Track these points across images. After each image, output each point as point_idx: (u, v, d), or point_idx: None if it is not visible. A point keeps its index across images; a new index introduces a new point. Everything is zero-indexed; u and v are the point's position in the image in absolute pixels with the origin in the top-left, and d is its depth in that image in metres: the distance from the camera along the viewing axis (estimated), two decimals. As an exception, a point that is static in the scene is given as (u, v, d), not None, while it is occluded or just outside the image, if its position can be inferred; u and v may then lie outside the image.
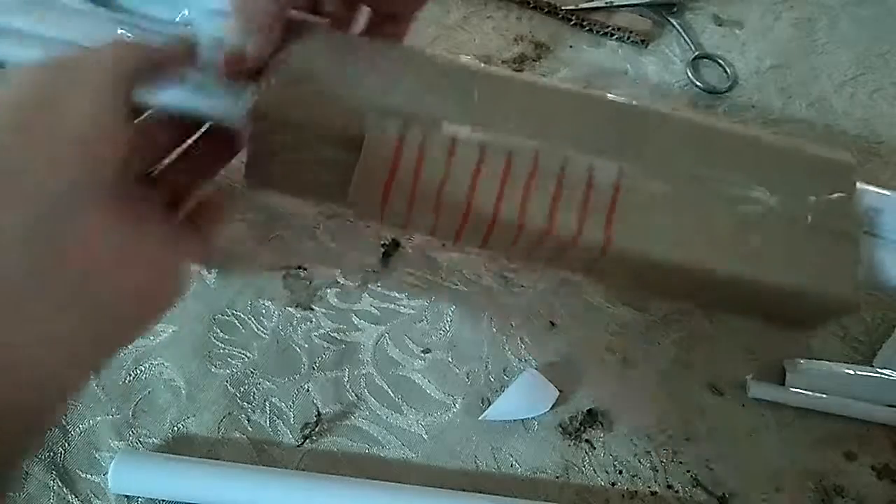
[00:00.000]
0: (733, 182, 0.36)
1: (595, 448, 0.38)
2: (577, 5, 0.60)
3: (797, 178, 0.36)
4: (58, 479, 0.36)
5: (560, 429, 0.39)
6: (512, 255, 0.43)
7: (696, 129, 0.38)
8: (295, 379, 0.40)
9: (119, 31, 0.38)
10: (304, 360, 0.41)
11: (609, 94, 0.39)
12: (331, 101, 0.37)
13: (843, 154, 0.37)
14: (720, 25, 0.61)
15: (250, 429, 0.38)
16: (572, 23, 0.60)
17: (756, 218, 0.35)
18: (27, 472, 0.36)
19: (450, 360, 0.41)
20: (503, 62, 0.57)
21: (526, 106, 0.38)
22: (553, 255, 0.38)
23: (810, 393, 0.40)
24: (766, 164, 0.37)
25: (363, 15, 0.41)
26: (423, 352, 0.42)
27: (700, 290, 0.39)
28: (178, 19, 0.38)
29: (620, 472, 0.38)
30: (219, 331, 0.42)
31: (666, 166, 0.36)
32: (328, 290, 0.44)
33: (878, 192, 0.38)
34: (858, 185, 0.37)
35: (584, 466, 0.38)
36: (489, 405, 0.39)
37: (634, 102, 0.39)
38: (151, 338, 0.41)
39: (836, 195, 0.36)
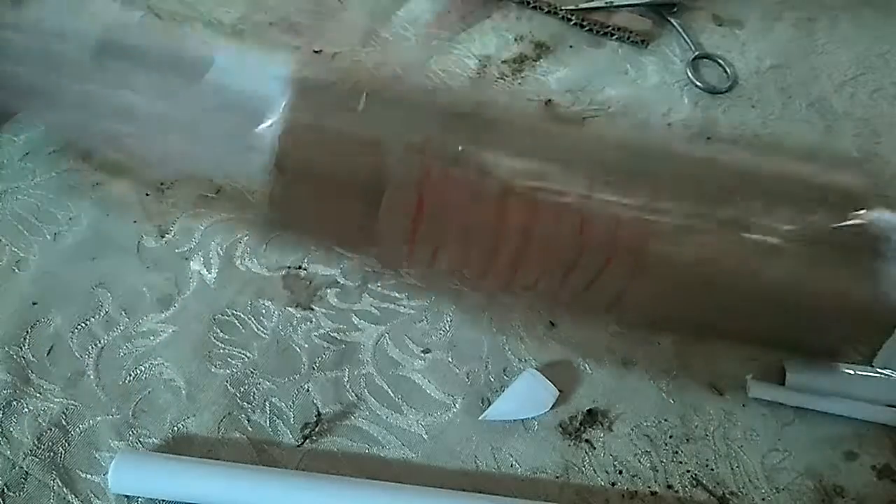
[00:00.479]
0: (750, 212, 0.36)
1: (595, 448, 0.38)
2: (577, 5, 0.60)
3: (812, 204, 0.36)
4: (58, 479, 0.36)
5: (560, 429, 0.39)
6: (540, 289, 0.42)
7: (711, 164, 0.39)
8: (295, 379, 0.40)
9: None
10: (304, 360, 0.41)
11: (623, 132, 0.40)
12: (351, 145, 0.37)
13: (858, 178, 0.38)
14: (720, 25, 0.61)
15: (250, 429, 0.38)
16: (572, 23, 0.60)
17: (776, 244, 0.36)
18: (27, 472, 0.36)
19: (450, 360, 0.41)
20: (503, 62, 0.57)
21: (549, 141, 0.39)
22: (581, 284, 0.39)
23: (810, 393, 0.40)
24: (781, 193, 0.37)
25: None
26: (423, 352, 0.42)
27: (722, 318, 0.39)
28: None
29: (620, 472, 0.38)
30: (219, 331, 0.42)
31: (687, 199, 0.37)
32: (328, 290, 0.44)
33: (891, 216, 0.37)
34: (877, 209, 0.37)
35: (584, 466, 0.38)
36: (489, 405, 0.39)
37: (651, 141, 0.40)
38: (151, 338, 0.41)
39: (851, 219, 0.36)
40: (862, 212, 0.36)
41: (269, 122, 0.38)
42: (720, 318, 0.39)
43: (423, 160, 0.37)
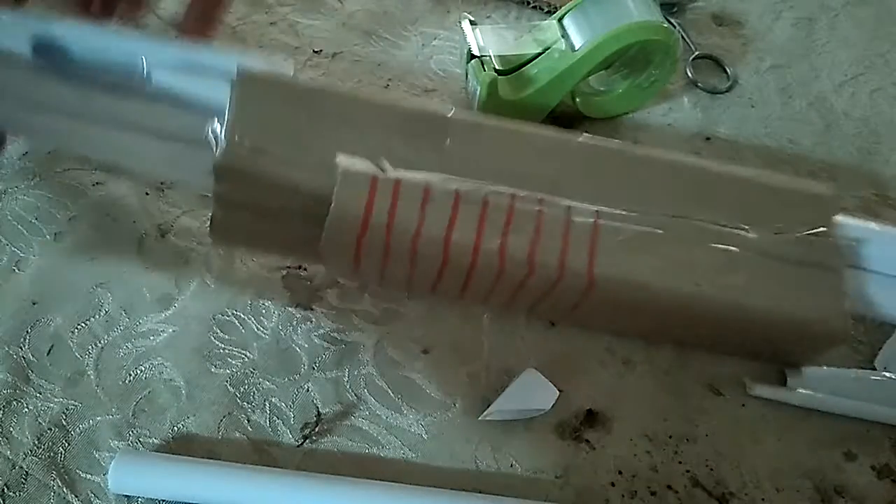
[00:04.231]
0: (714, 220, 0.36)
1: (595, 448, 0.38)
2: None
3: (777, 213, 0.36)
4: (58, 479, 0.36)
5: (560, 429, 0.39)
6: (492, 303, 0.41)
7: (676, 169, 0.38)
8: (295, 379, 0.40)
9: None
10: (304, 360, 0.41)
11: (586, 137, 0.39)
12: (297, 154, 0.36)
13: (824, 187, 0.38)
14: (720, 25, 0.61)
15: (250, 429, 0.38)
16: (572, 23, 0.60)
17: (738, 254, 0.36)
18: (27, 472, 0.36)
19: (450, 360, 0.41)
20: (503, 62, 0.57)
21: (499, 150, 0.38)
22: (535, 299, 0.39)
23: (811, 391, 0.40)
24: (747, 202, 0.37)
25: None
26: (423, 352, 0.42)
27: (687, 328, 0.39)
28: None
29: (620, 472, 0.38)
30: (219, 331, 0.42)
31: (646, 206, 0.37)
32: (328, 290, 0.44)
33: (859, 224, 0.39)
34: (841, 217, 0.38)
35: (584, 466, 0.38)
36: (489, 405, 0.39)
37: (613, 145, 0.39)
38: (151, 338, 0.41)
39: (816, 228, 0.36)
40: (828, 220, 0.37)
41: (209, 130, 0.37)
42: (672, 331, 0.40)
43: (369, 175, 0.36)
